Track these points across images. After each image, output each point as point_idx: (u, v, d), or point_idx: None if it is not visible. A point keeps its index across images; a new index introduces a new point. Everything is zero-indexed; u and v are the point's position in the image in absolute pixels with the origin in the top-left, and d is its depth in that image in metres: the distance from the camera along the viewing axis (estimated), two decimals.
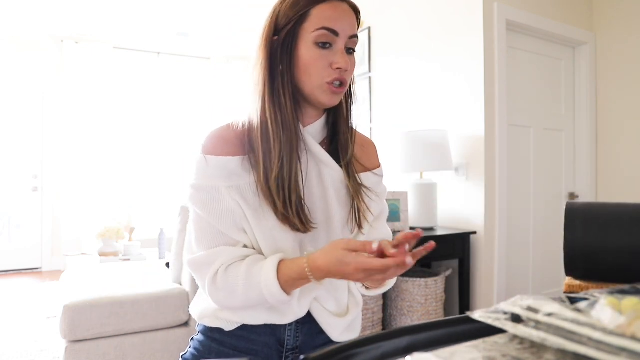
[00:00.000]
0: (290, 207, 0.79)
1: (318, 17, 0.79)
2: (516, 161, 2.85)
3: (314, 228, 0.83)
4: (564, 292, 0.72)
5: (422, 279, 2.44)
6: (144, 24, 4.68)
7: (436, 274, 2.62)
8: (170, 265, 2.55)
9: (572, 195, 3.13)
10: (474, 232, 2.64)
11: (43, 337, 2.82)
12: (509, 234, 2.76)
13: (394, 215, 2.53)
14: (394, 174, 3.04)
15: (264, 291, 0.76)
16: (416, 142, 2.60)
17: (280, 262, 0.77)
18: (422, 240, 0.66)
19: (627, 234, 0.65)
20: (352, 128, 0.91)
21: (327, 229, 0.86)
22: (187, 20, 4.61)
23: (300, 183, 0.81)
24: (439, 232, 2.58)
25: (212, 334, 0.88)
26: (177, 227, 2.42)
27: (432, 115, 2.97)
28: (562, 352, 0.41)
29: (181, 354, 0.91)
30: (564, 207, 0.80)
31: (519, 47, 2.87)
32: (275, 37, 0.82)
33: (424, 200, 2.67)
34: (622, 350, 0.37)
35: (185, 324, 2.35)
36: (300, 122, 0.84)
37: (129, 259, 3.24)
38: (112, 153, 5.09)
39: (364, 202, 0.89)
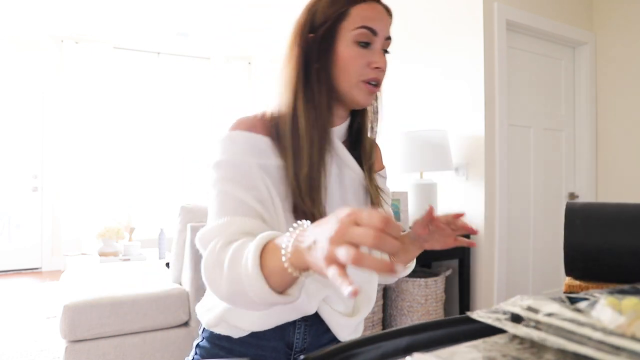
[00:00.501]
0: (313, 207, 0.78)
1: (358, 15, 0.79)
2: (516, 161, 2.85)
3: None
4: (564, 292, 0.72)
5: (422, 279, 2.44)
6: (144, 24, 4.68)
7: (436, 274, 2.62)
8: (170, 265, 2.55)
9: (572, 195, 3.13)
10: (474, 232, 2.63)
11: (43, 337, 2.82)
12: (509, 234, 2.76)
13: (394, 215, 2.53)
14: (394, 174, 3.03)
15: (245, 285, 0.60)
16: (416, 142, 2.60)
17: (267, 244, 0.60)
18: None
19: (627, 234, 0.65)
20: (375, 132, 0.92)
21: None
22: (187, 20, 4.61)
23: (323, 184, 0.80)
24: None
25: (220, 342, 0.85)
26: (177, 227, 2.41)
27: (432, 115, 2.97)
28: (562, 352, 0.41)
29: None
30: (564, 207, 0.80)
31: (519, 47, 2.87)
32: (311, 35, 0.81)
33: (424, 200, 2.66)
34: (622, 350, 0.37)
35: (186, 324, 2.35)
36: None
37: (129, 259, 3.23)
38: (112, 153, 5.09)
39: (382, 206, 0.90)
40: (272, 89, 0.85)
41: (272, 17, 4.61)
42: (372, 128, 0.92)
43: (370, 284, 0.92)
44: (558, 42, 3.07)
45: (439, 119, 2.93)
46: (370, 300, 0.92)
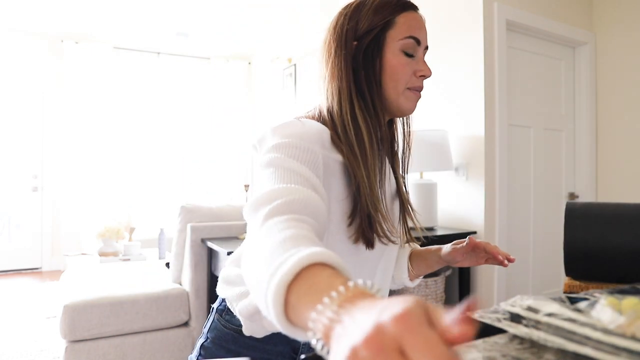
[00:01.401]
0: (378, 216, 0.77)
1: (405, 24, 0.80)
2: (516, 161, 2.85)
3: (391, 241, 0.80)
4: (564, 292, 0.72)
5: (422, 279, 2.44)
6: (144, 24, 4.68)
7: (436, 274, 2.62)
8: (170, 265, 2.55)
9: (572, 195, 3.13)
10: (474, 232, 2.64)
11: (43, 337, 2.82)
12: (509, 234, 2.76)
13: None
14: None
15: (262, 289, 0.44)
16: (416, 142, 2.59)
17: (315, 264, 0.42)
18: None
19: (627, 234, 0.65)
20: (412, 140, 0.92)
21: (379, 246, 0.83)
22: (187, 20, 4.61)
23: (380, 194, 0.80)
24: (439, 232, 2.58)
25: (227, 345, 0.83)
26: (177, 227, 2.42)
27: (432, 115, 2.97)
28: (562, 352, 0.41)
29: (190, 358, 0.87)
30: (564, 207, 0.80)
31: (519, 47, 2.87)
32: (355, 42, 0.80)
33: (424, 200, 2.66)
34: (622, 350, 0.37)
35: (186, 324, 2.35)
36: None
37: (129, 259, 3.23)
38: (112, 153, 5.09)
39: (410, 215, 0.91)
40: (317, 98, 0.83)
41: (272, 17, 4.61)
42: (408, 131, 0.92)
43: (381, 292, 0.92)
44: (558, 42, 3.07)
45: (439, 119, 2.93)
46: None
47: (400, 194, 0.89)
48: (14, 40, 4.76)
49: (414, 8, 0.83)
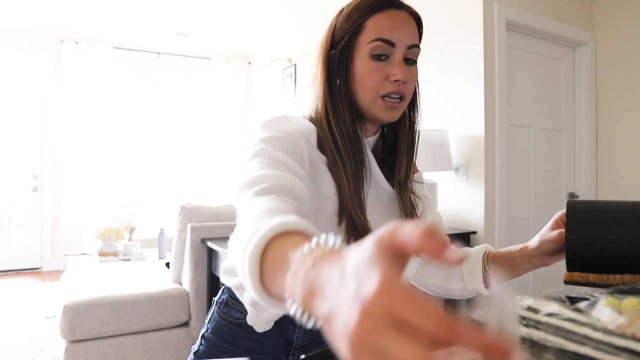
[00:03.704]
0: (362, 217, 0.77)
1: (373, 28, 0.76)
2: (516, 161, 2.85)
3: None
4: (565, 281, 0.72)
5: None
6: (144, 24, 4.68)
7: None
8: (170, 265, 2.55)
9: (572, 195, 3.13)
10: (474, 232, 2.64)
11: (43, 337, 2.82)
12: (509, 234, 2.76)
13: None
14: None
15: (239, 262, 0.45)
16: None
17: (286, 232, 0.42)
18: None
19: (630, 229, 0.65)
20: (415, 144, 0.87)
21: None
22: (187, 20, 4.61)
23: (364, 198, 0.79)
24: None
25: (224, 335, 0.87)
26: (177, 227, 2.42)
27: (432, 115, 2.97)
28: (562, 352, 0.41)
29: (192, 348, 0.91)
30: (564, 207, 0.80)
31: (519, 47, 2.87)
32: (333, 51, 0.80)
33: None
34: (622, 350, 0.37)
35: (186, 324, 2.35)
36: (362, 134, 0.83)
37: (129, 259, 3.24)
38: (112, 153, 5.09)
39: (416, 217, 0.87)
40: (305, 102, 0.85)
41: (272, 17, 4.61)
42: (411, 134, 0.87)
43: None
44: (558, 42, 3.07)
45: (439, 119, 2.93)
46: None
47: (399, 199, 0.85)
48: (14, 40, 4.76)
49: (392, 6, 0.77)
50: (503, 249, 0.87)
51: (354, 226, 0.76)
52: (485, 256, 0.88)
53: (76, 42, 4.90)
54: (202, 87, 5.66)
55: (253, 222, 0.48)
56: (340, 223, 0.77)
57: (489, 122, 2.65)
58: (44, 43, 4.88)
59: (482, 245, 0.91)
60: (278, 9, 4.50)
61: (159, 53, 5.40)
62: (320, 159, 0.77)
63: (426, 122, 3.00)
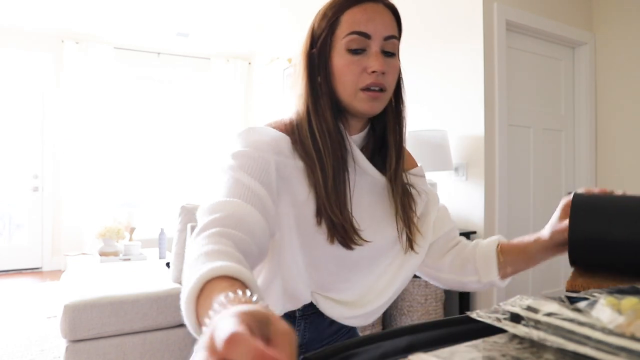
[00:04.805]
0: (341, 217, 0.77)
1: (348, 22, 0.77)
2: (516, 161, 2.85)
3: (359, 245, 0.80)
4: (567, 290, 0.72)
5: (422, 279, 2.45)
6: (144, 24, 4.68)
7: None
8: (170, 265, 2.55)
9: None
10: (474, 232, 2.64)
11: (43, 337, 2.82)
12: (509, 234, 2.76)
13: None
14: None
15: (182, 297, 0.48)
16: (416, 142, 2.60)
17: (218, 277, 0.46)
18: None
19: (634, 224, 0.65)
20: (402, 137, 0.87)
21: (371, 246, 0.83)
22: (187, 20, 4.61)
23: (348, 195, 0.79)
24: None
25: None
26: (178, 227, 2.42)
27: (432, 115, 2.98)
28: (562, 352, 0.41)
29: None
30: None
31: (518, 47, 2.88)
32: (313, 50, 0.81)
33: None
34: (621, 350, 0.37)
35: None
36: (347, 131, 0.83)
37: (129, 259, 3.24)
38: (112, 153, 5.09)
39: (412, 210, 0.87)
40: (289, 101, 0.86)
41: (272, 17, 4.61)
42: (398, 127, 0.87)
43: (379, 278, 0.89)
44: (558, 43, 3.07)
45: (439, 119, 2.93)
46: (380, 294, 0.88)
47: (395, 198, 0.85)
48: (14, 40, 4.76)
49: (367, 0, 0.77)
50: (515, 240, 0.88)
51: (334, 225, 0.77)
52: (499, 248, 0.88)
53: (76, 42, 4.90)
54: (202, 87, 5.66)
55: (191, 264, 0.52)
56: (319, 223, 0.78)
57: (488, 122, 2.65)
58: (44, 43, 4.88)
59: (494, 237, 0.91)
60: (278, 9, 4.50)
61: (159, 53, 5.40)
62: (292, 167, 0.78)
63: (426, 122, 3.01)
